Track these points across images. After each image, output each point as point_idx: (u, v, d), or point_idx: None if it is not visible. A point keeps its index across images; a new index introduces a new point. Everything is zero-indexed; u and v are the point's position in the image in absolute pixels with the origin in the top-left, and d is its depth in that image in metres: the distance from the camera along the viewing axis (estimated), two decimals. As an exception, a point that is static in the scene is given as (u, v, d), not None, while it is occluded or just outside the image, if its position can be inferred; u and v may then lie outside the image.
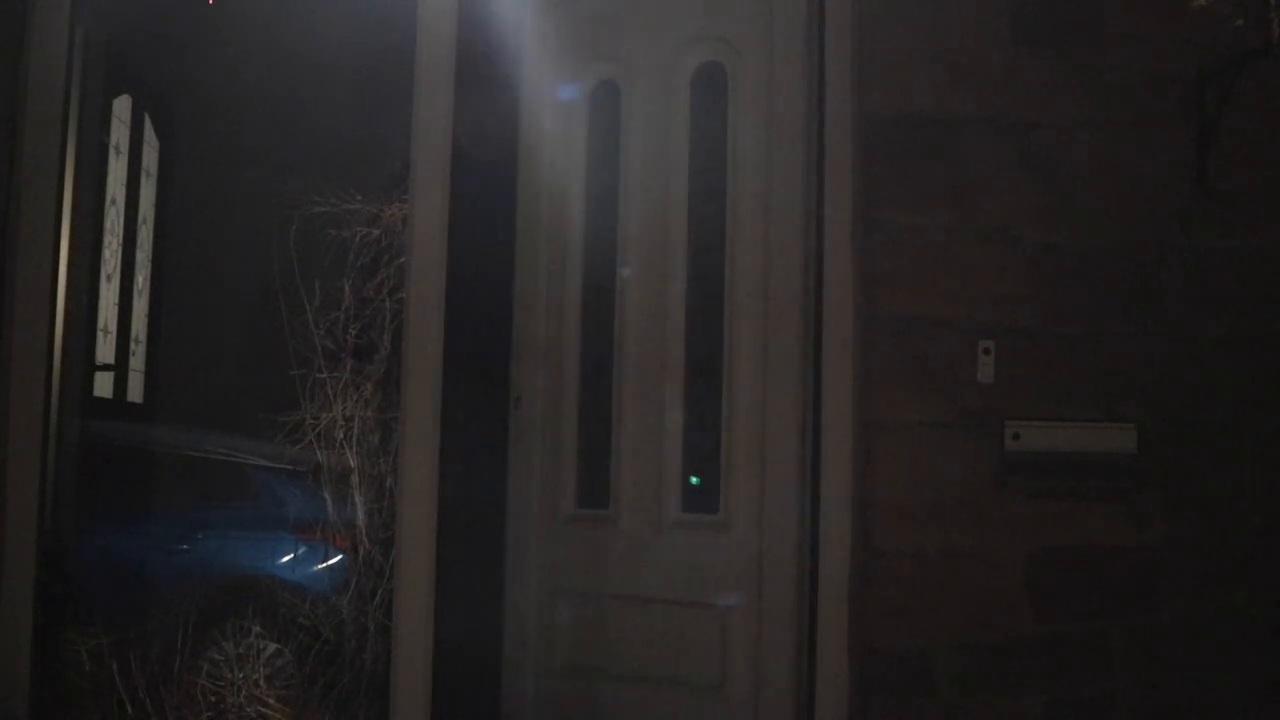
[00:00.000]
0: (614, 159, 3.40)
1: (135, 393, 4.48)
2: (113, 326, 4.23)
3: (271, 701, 3.22)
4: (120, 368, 4.33)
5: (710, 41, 3.28)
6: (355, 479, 3.50)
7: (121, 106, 4.22)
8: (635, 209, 3.35)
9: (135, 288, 4.39)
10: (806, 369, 3.02)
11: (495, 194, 3.47)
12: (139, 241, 4.39)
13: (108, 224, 4.11)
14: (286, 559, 3.71)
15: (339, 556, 3.62)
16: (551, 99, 3.48)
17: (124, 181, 4.27)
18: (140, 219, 4.41)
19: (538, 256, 3.46)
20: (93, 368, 4.09)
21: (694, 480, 3.31)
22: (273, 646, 3.42)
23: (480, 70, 3.36)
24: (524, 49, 3.51)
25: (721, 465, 3.17)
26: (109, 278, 4.19)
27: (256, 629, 3.39)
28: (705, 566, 3.15)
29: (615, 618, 3.25)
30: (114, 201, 4.18)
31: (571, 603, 3.32)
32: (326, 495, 3.52)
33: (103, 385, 4.22)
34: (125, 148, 4.28)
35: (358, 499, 3.49)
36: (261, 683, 3.25)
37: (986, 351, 2.94)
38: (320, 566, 3.65)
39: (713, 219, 3.24)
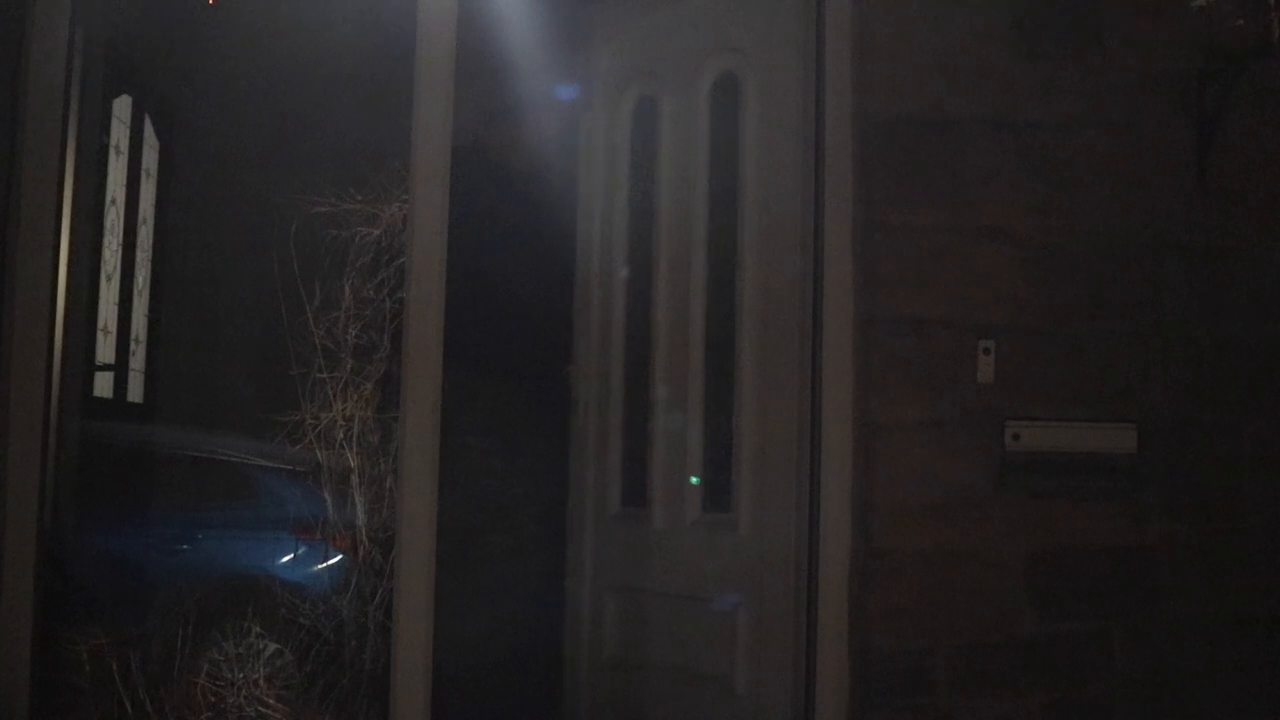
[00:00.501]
0: (653, 172, 3.55)
1: (135, 393, 4.48)
2: (113, 326, 4.23)
3: (271, 701, 3.22)
4: (120, 368, 4.33)
5: (726, 53, 3.36)
6: (355, 479, 3.49)
7: (121, 106, 4.21)
8: (669, 221, 3.49)
9: (135, 288, 4.39)
10: (806, 369, 3.02)
11: (549, 207, 3.56)
12: (139, 241, 4.39)
13: (108, 224, 4.11)
14: (286, 559, 3.71)
15: (339, 556, 3.61)
16: (605, 113, 3.65)
17: (124, 181, 4.27)
18: (140, 219, 4.41)
19: (591, 269, 3.63)
20: (93, 368, 4.08)
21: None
22: (273, 646, 3.41)
23: (486, 71, 3.40)
24: (576, 64, 3.69)
25: (734, 466, 3.22)
26: (109, 278, 4.18)
27: (256, 629, 3.39)
28: (719, 564, 3.22)
29: (647, 612, 3.37)
30: (114, 201, 4.17)
31: (615, 597, 3.47)
32: (326, 495, 3.51)
33: (103, 385, 4.22)
34: (125, 148, 4.27)
35: (358, 499, 3.48)
36: (261, 683, 3.24)
37: (986, 351, 2.94)
38: (320, 566, 3.64)
39: (728, 225, 3.32)
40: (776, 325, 3.12)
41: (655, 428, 3.44)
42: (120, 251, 4.24)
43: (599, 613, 3.49)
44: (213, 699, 3.19)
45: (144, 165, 4.42)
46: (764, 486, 3.12)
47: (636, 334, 3.54)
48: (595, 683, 3.49)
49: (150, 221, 4.47)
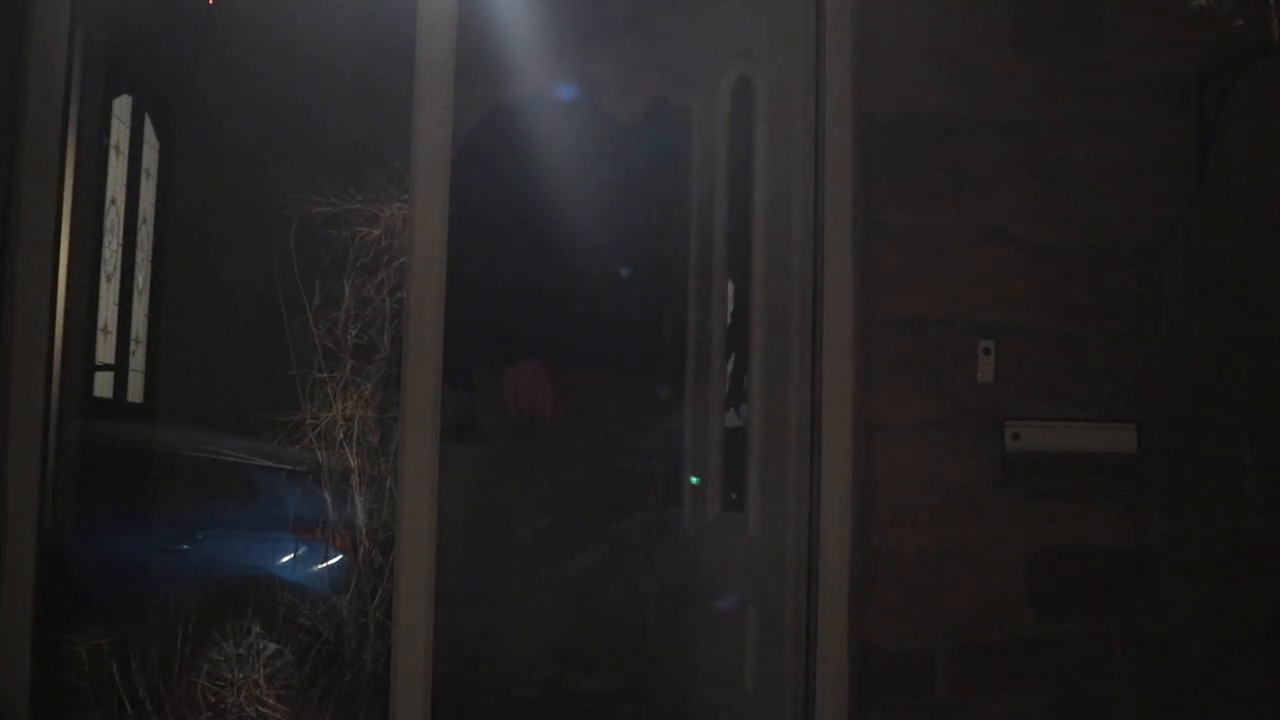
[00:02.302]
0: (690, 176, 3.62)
1: (135, 393, 4.49)
2: (113, 326, 4.24)
3: (271, 701, 3.22)
4: (120, 368, 4.34)
5: (741, 59, 3.40)
6: (355, 479, 3.50)
7: (121, 106, 4.22)
8: (697, 224, 3.58)
9: (135, 288, 4.40)
10: (808, 369, 3.03)
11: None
12: (139, 241, 4.40)
13: (108, 224, 4.12)
14: (286, 559, 3.71)
15: (339, 556, 3.61)
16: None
17: (124, 181, 4.28)
18: (140, 219, 4.42)
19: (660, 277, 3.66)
20: (93, 368, 4.09)
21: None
22: (273, 646, 3.42)
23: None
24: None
25: (747, 465, 3.25)
26: (109, 278, 4.19)
27: (256, 629, 3.40)
28: (735, 563, 3.25)
29: (680, 609, 3.45)
30: (114, 201, 4.18)
31: (659, 595, 3.54)
32: (326, 495, 3.52)
33: (103, 385, 4.23)
34: (125, 148, 4.28)
35: (358, 499, 3.49)
36: (261, 683, 3.25)
37: (986, 351, 2.94)
38: (320, 566, 3.65)
39: (745, 228, 3.36)
40: (781, 325, 3.13)
41: (687, 427, 3.51)
42: (120, 251, 4.25)
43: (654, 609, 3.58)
44: (213, 699, 3.19)
45: (144, 165, 4.43)
46: (770, 486, 3.14)
47: (679, 336, 3.63)
48: (647, 677, 3.56)
49: (150, 221, 4.48)
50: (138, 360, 4.47)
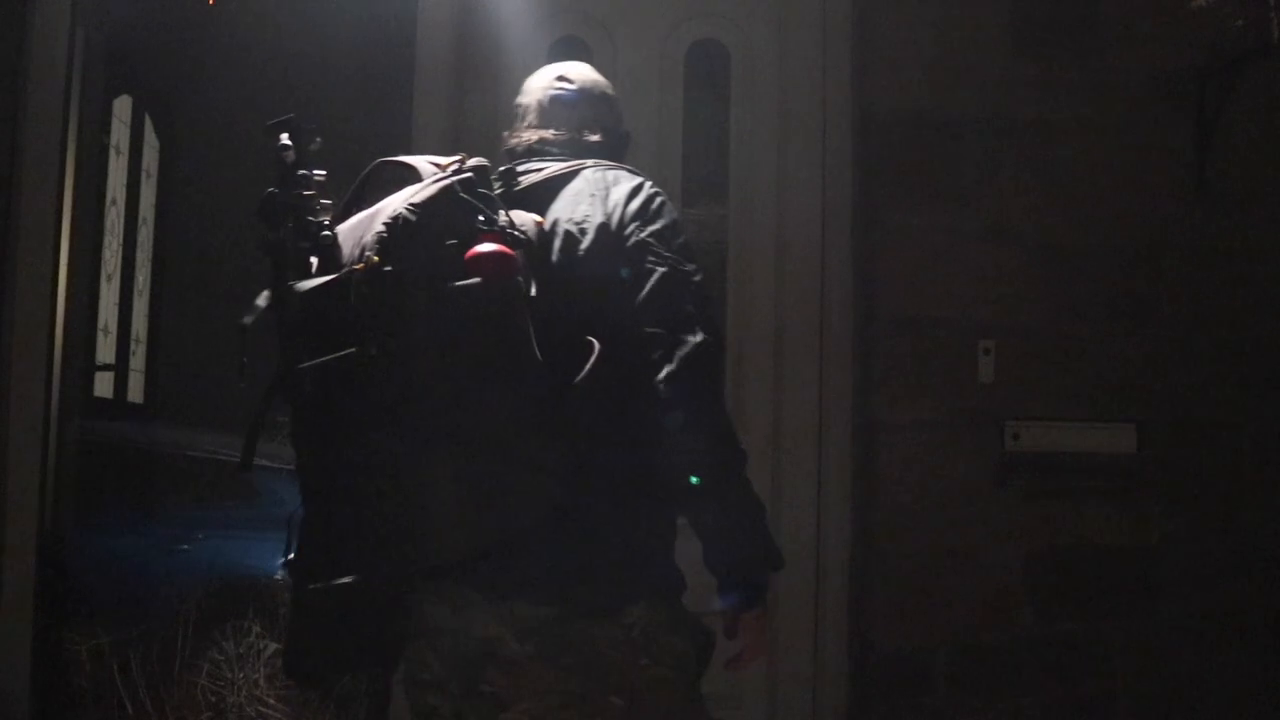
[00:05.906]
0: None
1: (135, 393, 4.48)
2: (113, 326, 4.23)
3: (272, 701, 3.22)
4: (120, 368, 4.33)
5: (708, 22, 3.21)
6: (356, 479, 3.48)
7: (121, 106, 4.21)
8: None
9: (135, 288, 4.39)
10: (807, 370, 3.02)
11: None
12: (139, 241, 4.39)
13: (108, 224, 4.11)
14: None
15: (339, 556, 3.60)
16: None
17: (124, 181, 4.27)
18: (140, 219, 4.41)
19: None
20: (93, 368, 4.08)
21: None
22: (273, 646, 3.41)
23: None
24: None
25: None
26: (109, 278, 4.19)
27: (256, 629, 3.39)
28: None
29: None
30: (114, 201, 4.18)
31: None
32: (327, 495, 3.50)
33: (103, 385, 4.22)
34: (125, 148, 4.28)
35: (358, 499, 3.47)
36: (262, 683, 3.24)
37: (986, 351, 2.94)
38: (320, 566, 3.63)
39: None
40: (781, 324, 3.11)
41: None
42: (120, 251, 4.24)
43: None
44: (213, 699, 3.19)
45: (144, 165, 4.42)
46: (771, 485, 3.12)
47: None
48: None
49: (150, 221, 4.47)
50: (138, 360, 4.46)
